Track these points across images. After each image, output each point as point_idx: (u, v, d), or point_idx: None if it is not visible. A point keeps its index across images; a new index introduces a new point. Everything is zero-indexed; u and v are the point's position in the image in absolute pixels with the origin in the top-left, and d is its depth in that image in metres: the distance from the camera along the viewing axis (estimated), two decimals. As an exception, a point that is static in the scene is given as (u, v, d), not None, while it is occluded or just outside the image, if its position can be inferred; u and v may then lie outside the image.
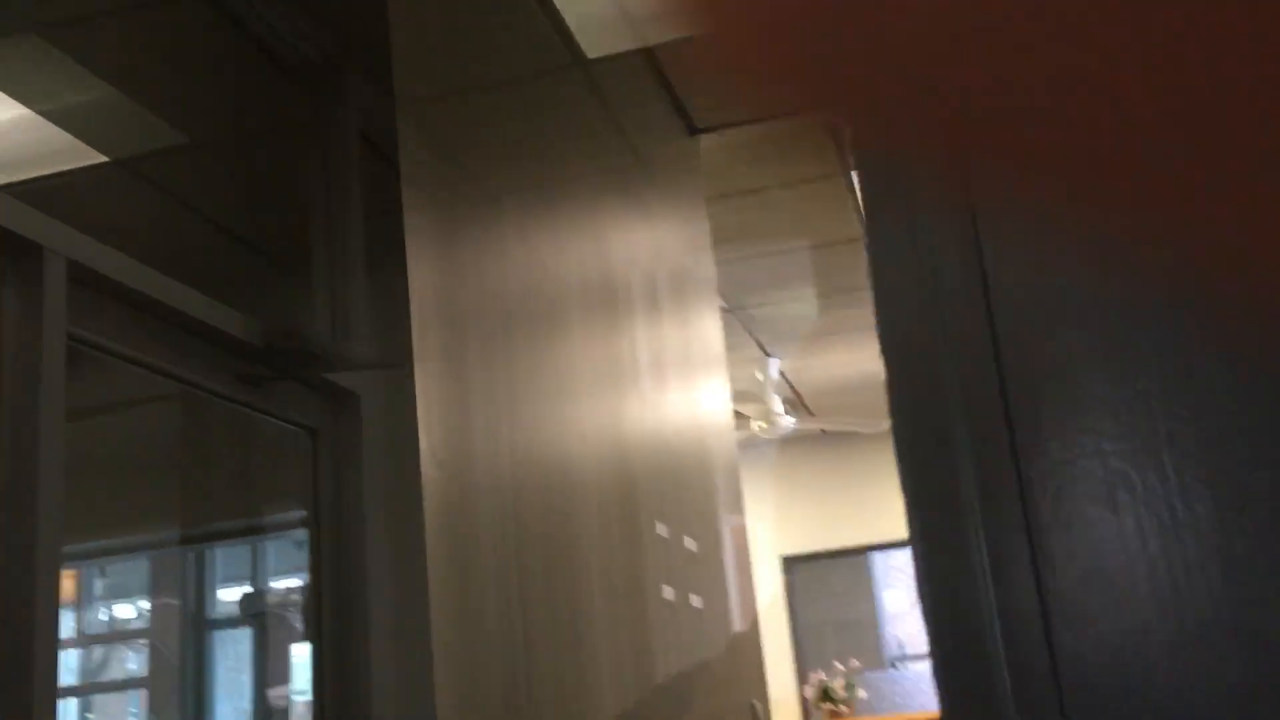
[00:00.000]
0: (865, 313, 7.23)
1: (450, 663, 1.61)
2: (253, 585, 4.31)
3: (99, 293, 1.51)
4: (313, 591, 2.09)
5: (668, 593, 2.81)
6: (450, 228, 1.90)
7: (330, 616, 1.99)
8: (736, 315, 6.79)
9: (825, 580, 11.06)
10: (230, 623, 4.46)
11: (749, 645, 3.56)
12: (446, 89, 2.17)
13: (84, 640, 4.96)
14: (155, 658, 4.56)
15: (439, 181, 1.91)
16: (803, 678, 10.21)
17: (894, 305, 0.62)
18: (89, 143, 2.71)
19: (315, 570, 2.12)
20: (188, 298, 1.67)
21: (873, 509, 10.70)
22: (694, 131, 3.98)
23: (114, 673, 4.92)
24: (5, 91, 2.58)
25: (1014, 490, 0.56)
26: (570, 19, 2.76)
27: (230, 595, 4.49)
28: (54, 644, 1.27)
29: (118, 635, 4.99)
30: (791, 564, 10.89)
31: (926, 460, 0.58)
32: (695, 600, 3.06)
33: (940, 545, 0.57)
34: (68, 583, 4.99)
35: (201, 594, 4.41)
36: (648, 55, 3.48)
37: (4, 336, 1.31)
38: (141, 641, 4.80)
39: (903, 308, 0.62)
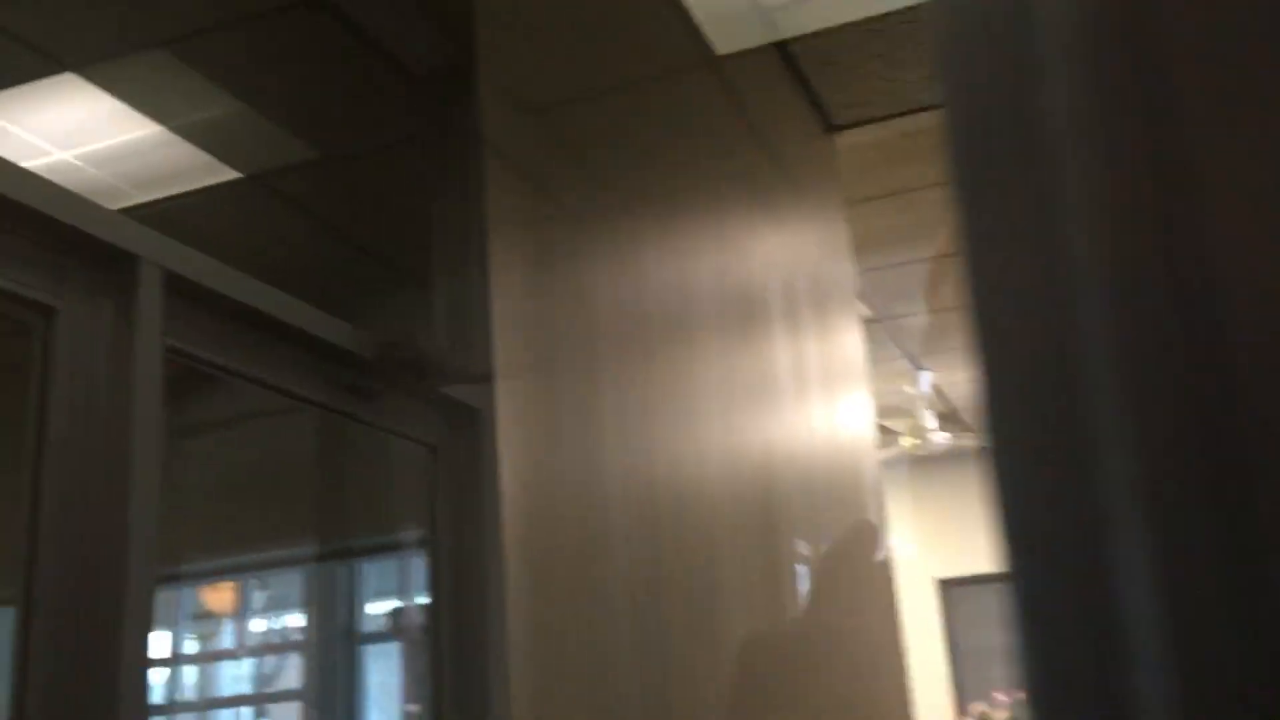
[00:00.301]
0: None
1: (532, 694, 1.53)
2: (399, 600, 4.36)
3: (201, 304, 1.49)
4: (431, 610, 2.06)
5: (797, 612, 2.69)
6: (562, 236, 1.83)
7: (448, 636, 1.95)
8: (884, 325, 6.57)
9: (987, 605, 10.65)
10: (379, 637, 4.53)
11: (894, 669, 3.39)
12: (565, 92, 2.11)
13: (243, 651, 5.11)
14: (309, 669, 4.67)
15: (555, 188, 1.85)
16: (961, 708, 9.85)
17: (999, 251, 0.45)
18: (218, 158, 2.77)
19: (433, 589, 2.08)
20: (294, 308, 1.64)
21: (1036, 530, 10.22)
22: (831, 129, 3.83)
23: (274, 683, 5.06)
24: (137, 108, 2.66)
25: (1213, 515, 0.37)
26: (699, 14, 2.68)
27: (379, 610, 4.56)
28: (144, 667, 1.25)
29: (273, 647, 5.14)
30: (948, 587, 10.53)
31: (1044, 478, 0.43)
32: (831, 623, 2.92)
33: (1061, 602, 0.41)
34: (228, 595, 5.15)
35: (351, 608, 4.49)
36: (782, 49, 3.37)
37: (99, 349, 1.30)
38: (296, 653, 4.92)
39: (1012, 254, 0.44)
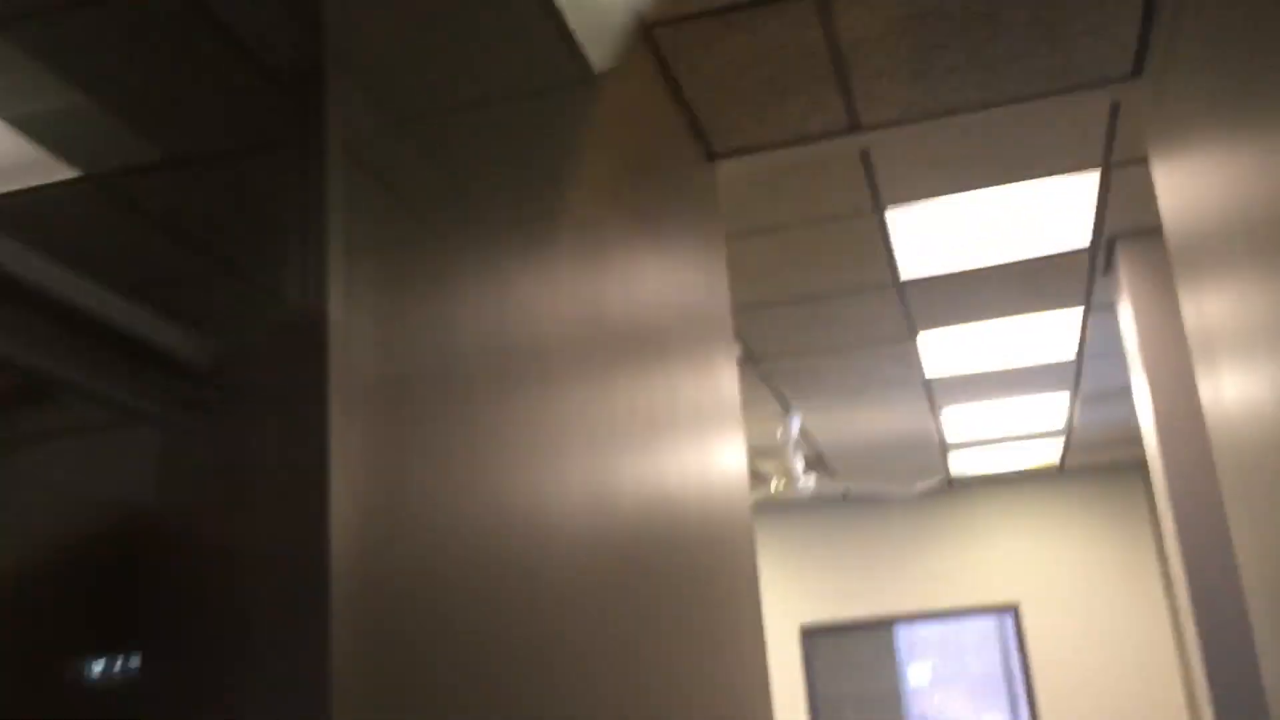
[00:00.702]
0: (897, 368, 7.05)
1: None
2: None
3: (11, 298, 1.29)
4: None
5: (668, 667, 2.55)
6: (423, 254, 1.67)
7: None
8: (756, 366, 6.55)
9: (847, 652, 10.72)
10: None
11: (758, 716, 3.29)
12: (434, 103, 1.96)
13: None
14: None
15: (419, 203, 1.69)
16: (821, 757, 9.86)
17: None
18: (55, 153, 2.53)
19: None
20: (123, 310, 1.45)
21: (898, 579, 10.39)
22: (713, 156, 3.76)
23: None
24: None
25: None
26: (578, 29, 2.55)
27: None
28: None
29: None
30: (811, 634, 10.56)
31: None
32: (701, 675, 2.79)
33: None
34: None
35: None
36: (666, 72, 3.29)
37: None
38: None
39: None
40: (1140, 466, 10.20)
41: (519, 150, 2.14)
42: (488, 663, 1.64)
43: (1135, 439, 9.14)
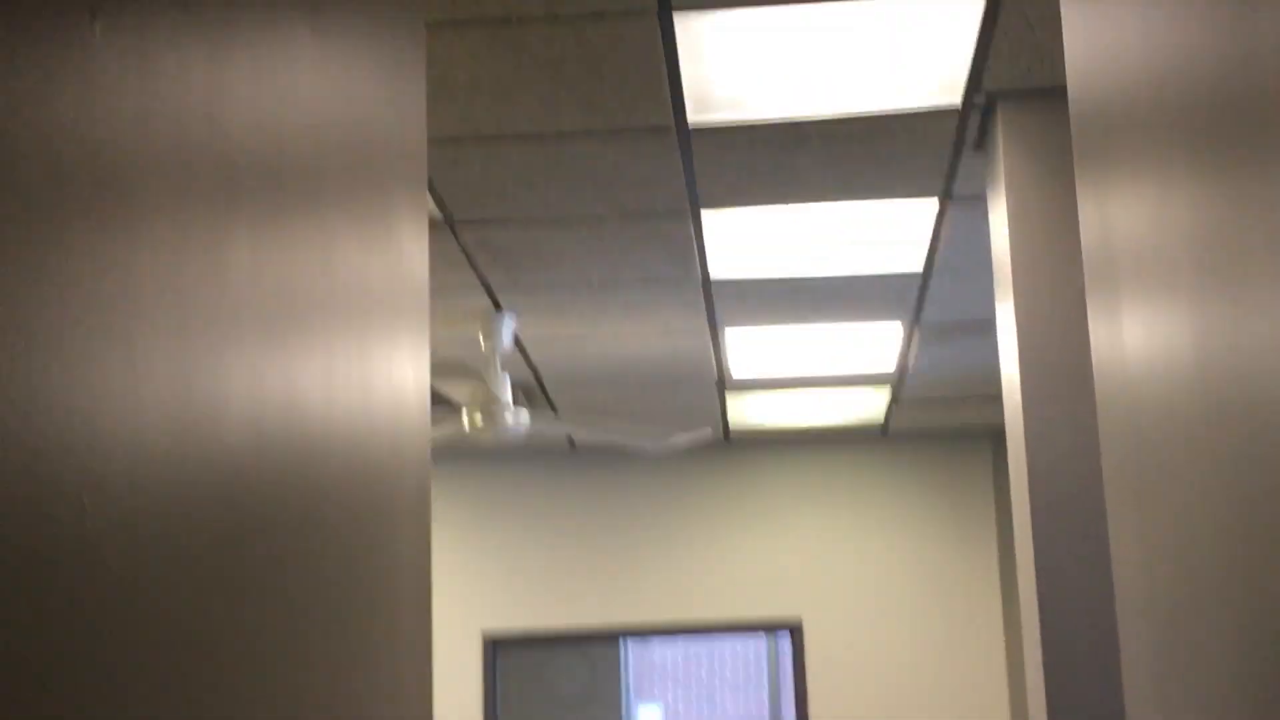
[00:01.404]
0: (668, 258, 7.19)
1: None
2: None
3: None
4: None
5: (286, 672, 2.53)
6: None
7: None
8: (458, 232, 6.49)
9: (552, 674, 11.00)
10: None
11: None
12: None
13: None
14: None
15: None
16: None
17: None
18: None
19: None
20: None
21: (636, 574, 10.70)
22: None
23: None
24: None
25: None
26: None
27: None
28: None
29: None
30: (499, 646, 10.76)
31: None
32: (335, 687, 2.77)
33: None
34: None
35: None
36: None
37: None
38: None
39: None
40: (989, 435, 10.84)
41: None
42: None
43: (987, 394, 9.67)
